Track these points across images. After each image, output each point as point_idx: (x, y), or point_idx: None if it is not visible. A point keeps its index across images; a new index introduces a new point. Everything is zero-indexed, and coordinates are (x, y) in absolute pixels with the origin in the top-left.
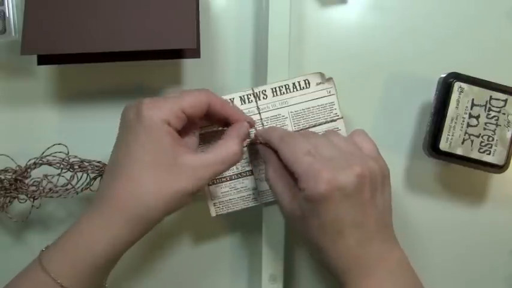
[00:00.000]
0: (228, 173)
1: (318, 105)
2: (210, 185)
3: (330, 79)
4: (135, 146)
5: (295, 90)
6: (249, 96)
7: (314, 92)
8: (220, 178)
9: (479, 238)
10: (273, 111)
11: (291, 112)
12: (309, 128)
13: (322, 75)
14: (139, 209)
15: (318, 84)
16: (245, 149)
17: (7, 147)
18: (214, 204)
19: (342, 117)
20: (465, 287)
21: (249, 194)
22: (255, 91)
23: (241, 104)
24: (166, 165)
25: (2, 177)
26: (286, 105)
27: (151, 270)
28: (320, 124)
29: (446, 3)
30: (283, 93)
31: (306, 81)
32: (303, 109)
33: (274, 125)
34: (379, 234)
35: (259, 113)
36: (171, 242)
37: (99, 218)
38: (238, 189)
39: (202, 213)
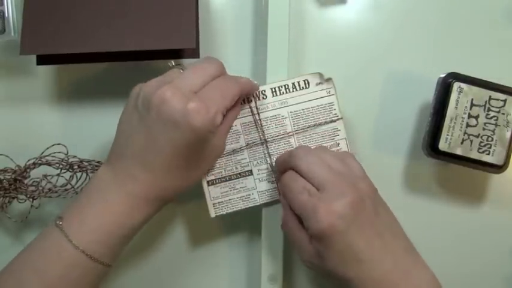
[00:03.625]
0: (227, 173)
1: (318, 106)
2: (210, 185)
3: (329, 79)
4: (182, 151)
5: (294, 90)
6: (248, 96)
7: (313, 92)
8: (220, 178)
9: (478, 238)
10: (272, 111)
11: (290, 112)
12: (308, 128)
13: (321, 75)
14: (162, 196)
15: (317, 84)
16: (245, 150)
17: (6, 147)
18: (214, 205)
19: (341, 118)
20: (465, 287)
21: (248, 194)
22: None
23: (240, 103)
24: (195, 166)
25: (2, 177)
26: (285, 105)
27: (151, 270)
28: (320, 124)
29: (446, 3)
30: (283, 93)
31: (306, 82)
32: (302, 109)
33: (274, 125)
34: (399, 244)
35: (258, 113)
36: (171, 242)
37: (125, 198)
38: (238, 190)
39: (202, 213)
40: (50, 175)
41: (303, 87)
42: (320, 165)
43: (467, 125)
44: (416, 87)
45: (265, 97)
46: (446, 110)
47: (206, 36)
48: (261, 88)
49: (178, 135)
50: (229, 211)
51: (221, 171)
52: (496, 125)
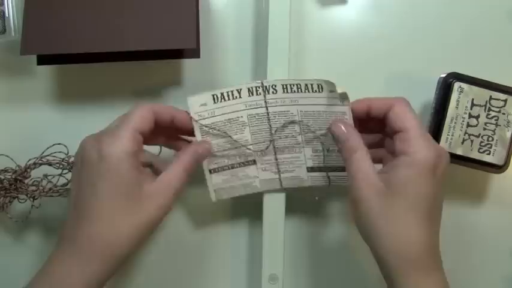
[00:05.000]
0: (230, 162)
1: (330, 112)
2: (212, 173)
3: (343, 94)
4: (102, 186)
5: (307, 91)
6: (257, 88)
7: (326, 97)
8: (222, 167)
9: (479, 238)
10: (281, 107)
11: (300, 111)
12: (318, 129)
13: (333, 85)
14: (111, 248)
15: (331, 91)
16: (250, 141)
17: (7, 147)
18: (215, 191)
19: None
20: (465, 287)
21: (251, 182)
22: (265, 84)
23: (249, 95)
24: (133, 201)
25: (2, 177)
26: (296, 103)
27: (151, 271)
28: (328, 129)
29: (446, 3)
30: (294, 91)
31: (320, 86)
32: (313, 111)
33: (282, 121)
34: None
35: (267, 107)
36: (171, 241)
37: (70, 259)
38: (239, 177)
39: (202, 214)
40: (50, 175)
41: (316, 91)
42: None
43: (468, 125)
44: (417, 87)
45: (275, 92)
46: (447, 110)
47: (206, 36)
48: (272, 82)
49: (98, 169)
50: (231, 196)
51: (224, 161)
52: (496, 125)
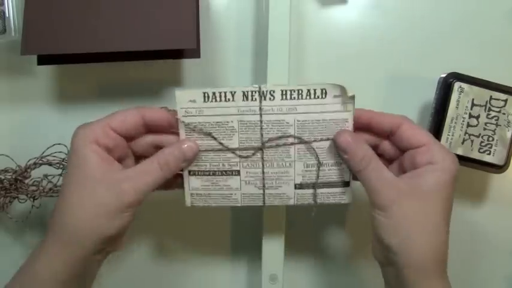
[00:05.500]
0: (211, 168)
1: (330, 120)
2: (191, 175)
3: (352, 97)
4: (68, 170)
5: (308, 97)
6: (253, 93)
7: (329, 104)
8: (203, 171)
9: (479, 238)
10: (277, 116)
11: (297, 121)
12: (313, 141)
13: (343, 89)
14: (68, 231)
15: (335, 96)
16: (236, 149)
17: (7, 147)
18: (191, 195)
19: None
20: (465, 287)
21: (231, 193)
22: (262, 89)
23: (243, 99)
24: (91, 184)
25: (2, 177)
26: (293, 112)
27: (151, 271)
28: (326, 140)
29: (446, 3)
30: (294, 98)
31: (323, 91)
32: (311, 120)
33: (275, 130)
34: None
35: (261, 114)
36: (171, 242)
37: (52, 248)
38: (220, 187)
39: (202, 214)
40: (50, 175)
41: (318, 96)
42: None
43: (468, 125)
44: (417, 87)
45: (272, 98)
46: (447, 110)
47: (207, 36)
48: (271, 88)
49: (69, 156)
50: (206, 205)
51: (206, 165)
52: (496, 125)
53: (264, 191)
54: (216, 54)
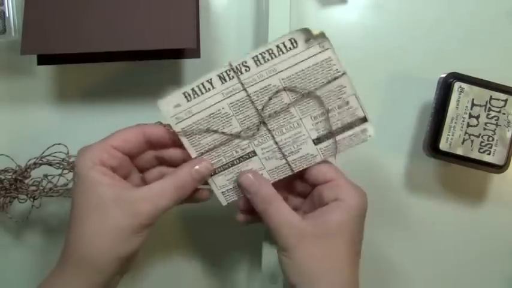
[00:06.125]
0: (228, 160)
1: (313, 65)
2: (212, 175)
3: (321, 34)
4: (76, 199)
5: (281, 53)
6: (228, 72)
7: (304, 51)
8: (222, 166)
9: (479, 238)
10: (260, 83)
11: (282, 79)
12: (309, 93)
13: (308, 31)
14: (86, 260)
15: (306, 41)
16: (240, 132)
17: (7, 147)
18: (223, 193)
19: (345, 73)
20: (465, 287)
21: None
22: (233, 65)
23: (222, 83)
24: (104, 207)
25: (2, 177)
26: (274, 72)
27: (151, 271)
28: (322, 86)
29: (446, 3)
30: (268, 60)
31: (292, 41)
32: (296, 72)
33: (266, 97)
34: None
35: (245, 89)
36: (171, 242)
37: (61, 278)
38: None
39: (202, 214)
40: (50, 175)
41: (290, 48)
42: None
43: (468, 125)
44: (417, 87)
45: (248, 69)
46: (447, 110)
47: (207, 36)
48: (241, 60)
49: (75, 181)
50: (241, 195)
51: (221, 160)
52: (496, 125)
53: (286, 160)
54: (216, 55)
